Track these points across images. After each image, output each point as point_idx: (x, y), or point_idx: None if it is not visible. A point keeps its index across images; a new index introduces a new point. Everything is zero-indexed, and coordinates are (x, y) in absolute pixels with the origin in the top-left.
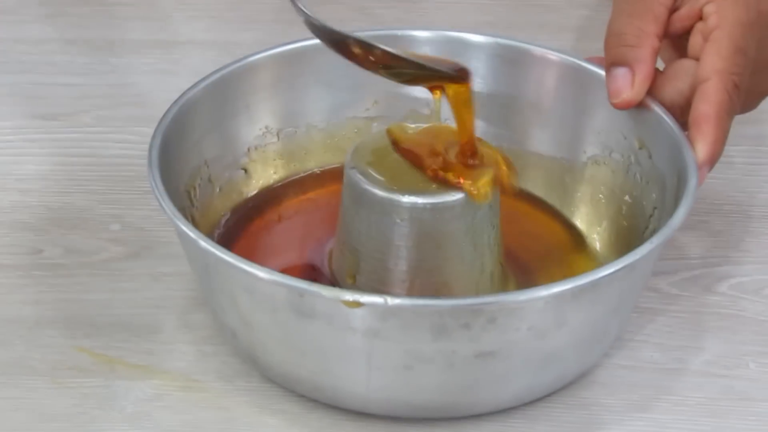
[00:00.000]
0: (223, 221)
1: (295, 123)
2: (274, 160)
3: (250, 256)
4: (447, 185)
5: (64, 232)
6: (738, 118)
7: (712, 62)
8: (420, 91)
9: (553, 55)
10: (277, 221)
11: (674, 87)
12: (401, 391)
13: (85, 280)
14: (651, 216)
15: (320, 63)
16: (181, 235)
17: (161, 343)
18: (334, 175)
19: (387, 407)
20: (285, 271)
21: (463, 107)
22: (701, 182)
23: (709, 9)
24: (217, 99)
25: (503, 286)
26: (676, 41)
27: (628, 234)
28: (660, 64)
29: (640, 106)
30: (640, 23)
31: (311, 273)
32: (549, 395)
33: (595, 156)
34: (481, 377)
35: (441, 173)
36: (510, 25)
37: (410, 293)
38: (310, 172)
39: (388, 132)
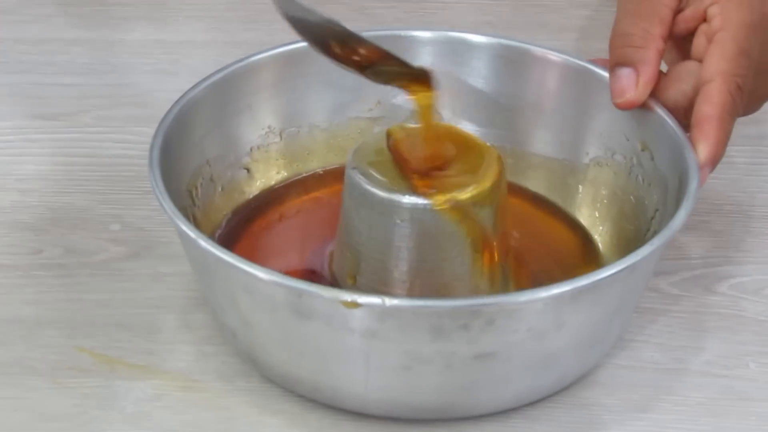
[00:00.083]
0: (224, 221)
1: (298, 123)
2: (277, 160)
3: (251, 256)
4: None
5: (64, 232)
6: (739, 118)
7: (716, 63)
8: None
9: (556, 56)
10: (279, 222)
11: (678, 89)
12: (400, 391)
13: (85, 280)
14: (653, 218)
15: (323, 63)
16: (181, 234)
17: (161, 343)
18: (337, 175)
19: (386, 408)
20: (286, 271)
21: (428, 113)
22: (702, 183)
23: (713, 11)
24: (219, 98)
25: (505, 288)
26: (680, 43)
27: (630, 236)
28: (662, 66)
29: (642, 107)
30: (647, 25)
31: (311, 274)
32: (549, 396)
33: (597, 157)
34: (480, 378)
35: (414, 181)
36: (510, 25)
37: (410, 294)
38: (313, 172)
39: (387, 133)
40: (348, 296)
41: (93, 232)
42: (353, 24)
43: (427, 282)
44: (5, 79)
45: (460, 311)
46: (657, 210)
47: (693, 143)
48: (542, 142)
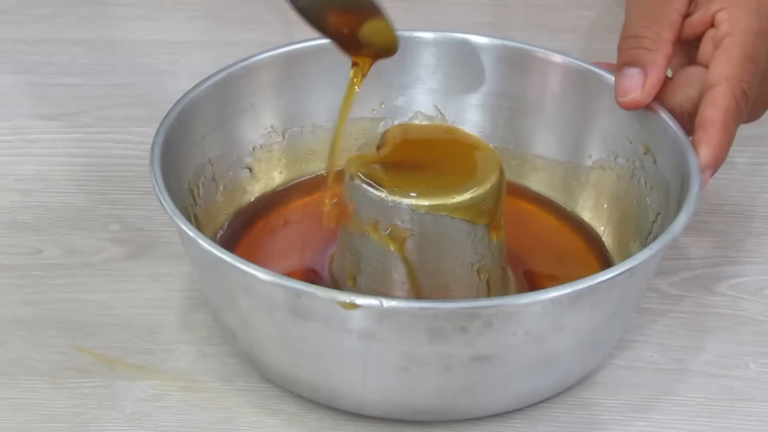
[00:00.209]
0: (227, 222)
1: (301, 123)
2: (279, 159)
3: (252, 256)
4: None
5: (64, 232)
6: None
7: (722, 68)
8: (425, 93)
9: (559, 58)
10: (281, 222)
11: (683, 93)
12: (398, 392)
13: (85, 280)
14: (654, 221)
15: (327, 63)
16: (182, 234)
17: (161, 343)
18: (339, 176)
19: (384, 409)
20: (287, 272)
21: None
22: (703, 186)
23: (721, 16)
24: (221, 98)
25: (505, 290)
26: (685, 48)
27: (632, 239)
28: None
29: (645, 110)
30: (659, 29)
31: (312, 275)
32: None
33: (600, 160)
34: (479, 380)
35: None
36: (510, 25)
37: (410, 295)
38: (316, 173)
39: (385, 134)
40: (346, 297)
41: (93, 232)
42: None
43: (427, 283)
44: (5, 79)
45: (457, 313)
46: (659, 213)
47: (695, 146)
48: (545, 144)
